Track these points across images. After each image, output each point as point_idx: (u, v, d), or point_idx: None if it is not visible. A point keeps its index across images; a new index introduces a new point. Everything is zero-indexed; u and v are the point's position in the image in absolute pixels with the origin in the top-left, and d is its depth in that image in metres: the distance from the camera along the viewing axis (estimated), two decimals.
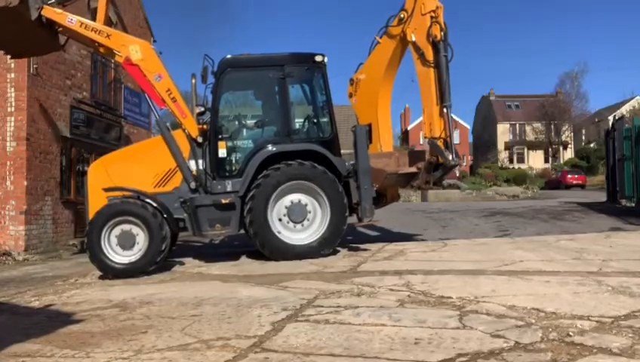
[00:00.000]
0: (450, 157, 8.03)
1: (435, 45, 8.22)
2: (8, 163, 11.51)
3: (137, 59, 7.80)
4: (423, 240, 10.16)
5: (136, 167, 7.91)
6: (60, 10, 7.91)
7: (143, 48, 7.90)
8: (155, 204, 7.46)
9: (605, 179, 19.98)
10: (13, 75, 11.60)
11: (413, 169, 8.44)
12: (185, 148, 7.90)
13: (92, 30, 7.91)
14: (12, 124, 11.57)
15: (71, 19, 7.85)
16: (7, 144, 11.50)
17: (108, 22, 15.28)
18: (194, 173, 7.80)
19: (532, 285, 5.11)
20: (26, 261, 10.85)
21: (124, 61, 7.85)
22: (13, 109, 11.58)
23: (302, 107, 8.75)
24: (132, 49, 7.81)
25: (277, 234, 7.64)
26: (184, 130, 7.92)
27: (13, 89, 11.59)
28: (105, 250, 7.21)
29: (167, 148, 7.85)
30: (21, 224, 11.39)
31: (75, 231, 13.16)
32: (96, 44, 8.11)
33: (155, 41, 18.93)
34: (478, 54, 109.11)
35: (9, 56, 11.20)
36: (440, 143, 8.15)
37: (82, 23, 7.90)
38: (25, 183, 11.45)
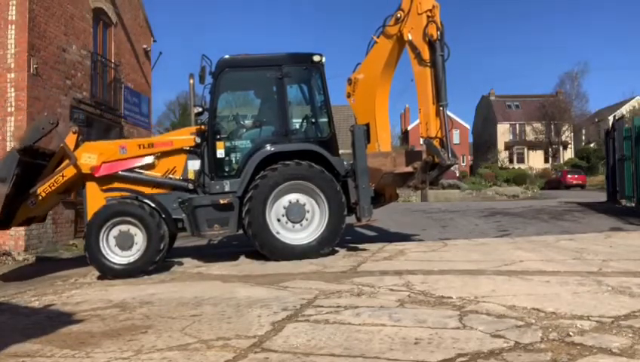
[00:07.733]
0: (447, 157, 8.03)
1: (431, 45, 8.22)
2: None
3: (97, 161, 7.64)
4: (422, 240, 10.16)
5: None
6: None
7: (91, 149, 7.73)
8: (152, 204, 7.45)
9: (605, 179, 19.95)
10: (13, 75, 11.58)
11: (410, 169, 8.43)
12: (182, 158, 7.92)
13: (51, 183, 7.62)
14: (12, 124, 11.54)
15: None
16: (7, 144, 11.48)
17: (108, 22, 15.39)
18: (190, 175, 7.80)
19: (532, 285, 5.10)
20: (26, 261, 10.84)
21: (93, 172, 7.62)
22: (13, 109, 11.56)
23: (300, 107, 8.75)
24: (85, 158, 7.60)
25: (276, 234, 7.64)
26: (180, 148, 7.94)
27: (13, 89, 11.57)
28: (104, 251, 7.20)
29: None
30: None
31: (75, 231, 13.15)
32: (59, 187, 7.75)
33: (155, 41, 18.95)
34: (479, 54, 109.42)
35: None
36: (436, 143, 8.15)
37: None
38: None
